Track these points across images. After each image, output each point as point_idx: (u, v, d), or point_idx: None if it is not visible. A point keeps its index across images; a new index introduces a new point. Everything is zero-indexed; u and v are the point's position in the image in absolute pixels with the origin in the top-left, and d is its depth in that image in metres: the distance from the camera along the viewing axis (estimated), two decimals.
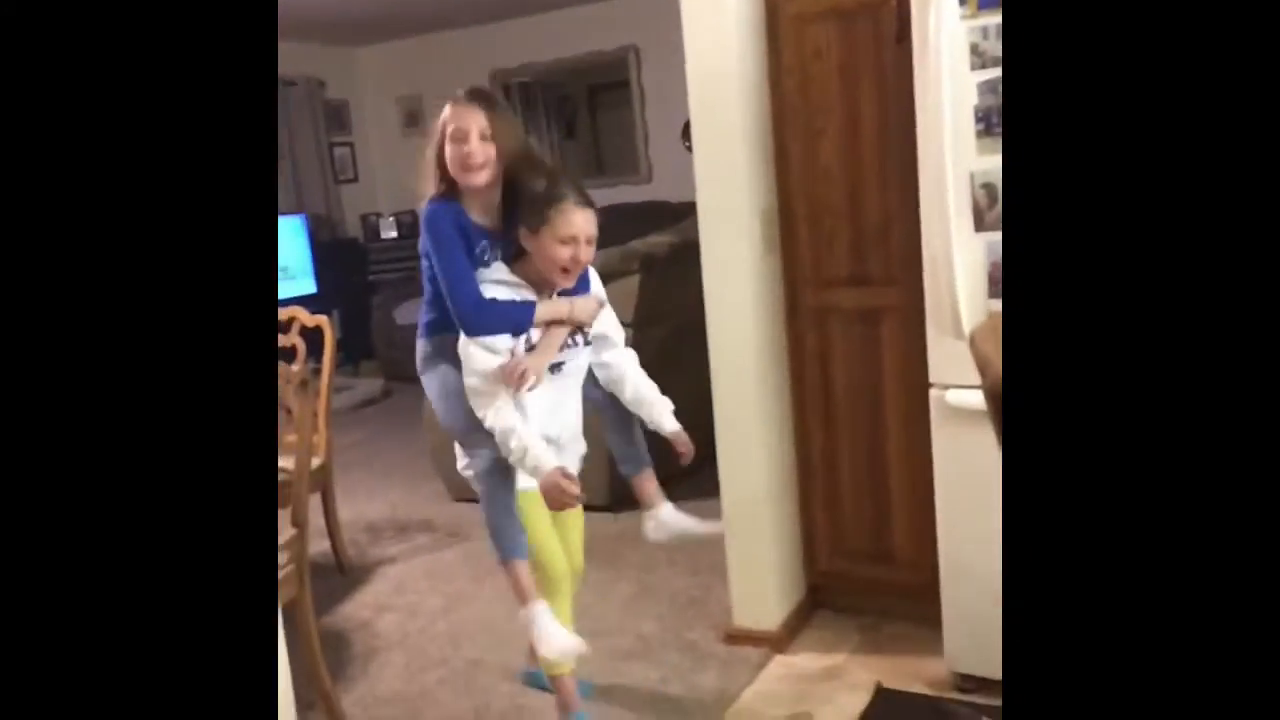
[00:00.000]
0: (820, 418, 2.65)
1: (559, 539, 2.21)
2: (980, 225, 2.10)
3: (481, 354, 2.02)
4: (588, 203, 2.06)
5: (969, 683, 2.31)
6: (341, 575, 3.36)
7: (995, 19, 2.02)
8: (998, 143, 2.06)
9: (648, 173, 6.88)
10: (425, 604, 3.11)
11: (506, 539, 2.08)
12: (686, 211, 2.94)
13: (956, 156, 2.08)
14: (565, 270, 2.04)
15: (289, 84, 6.90)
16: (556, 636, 2.05)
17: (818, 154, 2.52)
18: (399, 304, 6.42)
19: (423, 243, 2.09)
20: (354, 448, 5.00)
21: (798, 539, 2.73)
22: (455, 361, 2.07)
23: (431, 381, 2.15)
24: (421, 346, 2.18)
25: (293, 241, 6.26)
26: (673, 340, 3.41)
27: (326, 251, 6.73)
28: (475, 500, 2.14)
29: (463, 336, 2.04)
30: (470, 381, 2.03)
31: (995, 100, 2.04)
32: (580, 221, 2.03)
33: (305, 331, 3.22)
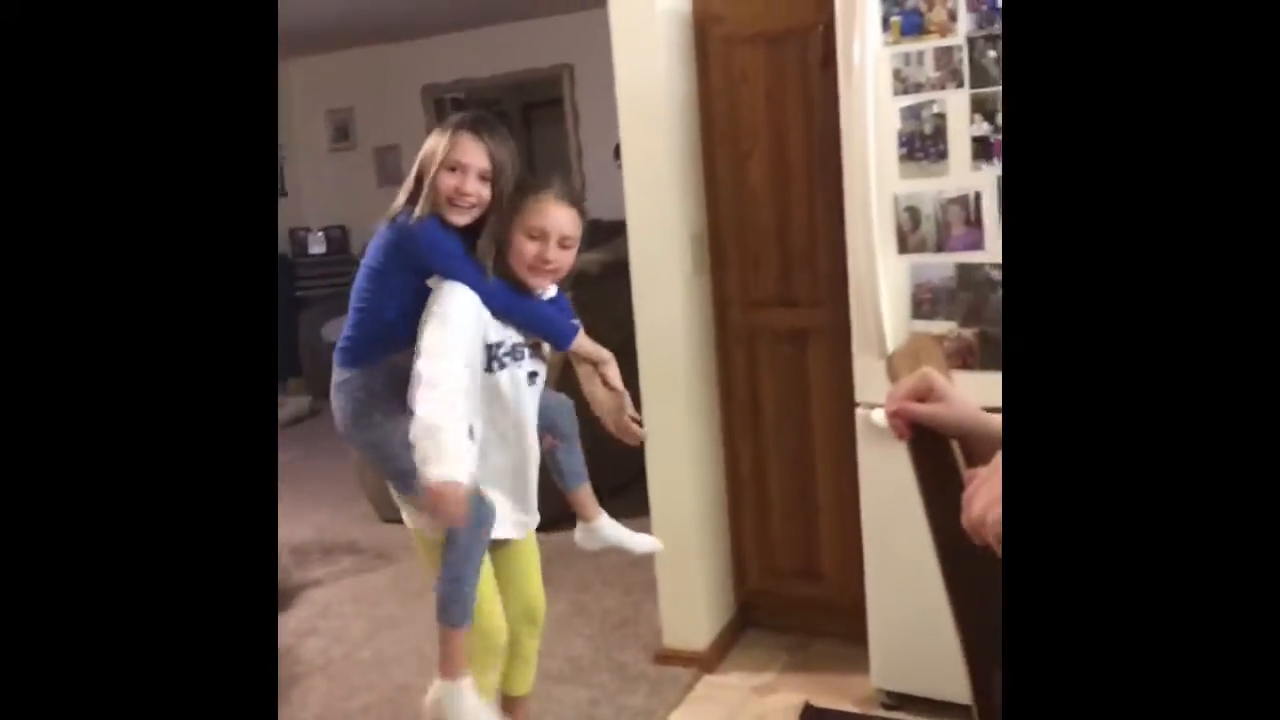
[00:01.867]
0: (749, 437, 2.67)
1: (516, 587, 2.04)
2: (904, 248, 2.14)
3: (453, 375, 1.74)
4: (571, 201, 1.87)
5: (894, 699, 2.34)
6: None
7: (918, 45, 2.07)
8: (920, 167, 2.10)
9: (581, 190, 6.89)
10: (350, 629, 3.05)
11: (463, 602, 1.86)
12: (619, 229, 2.95)
13: (880, 180, 2.11)
14: (532, 269, 1.83)
15: None
16: (478, 718, 1.86)
17: (746, 176, 2.54)
18: (327, 320, 6.32)
19: (369, 266, 1.90)
20: (281, 468, 4.90)
21: (727, 557, 2.74)
22: (396, 395, 1.81)
23: (369, 425, 1.89)
24: (351, 379, 1.91)
25: None
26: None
27: None
28: (403, 521, 2.04)
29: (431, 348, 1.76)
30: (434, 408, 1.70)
31: (917, 125, 2.09)
32: (556, 217, 1.82)
33: None
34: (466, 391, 1.77)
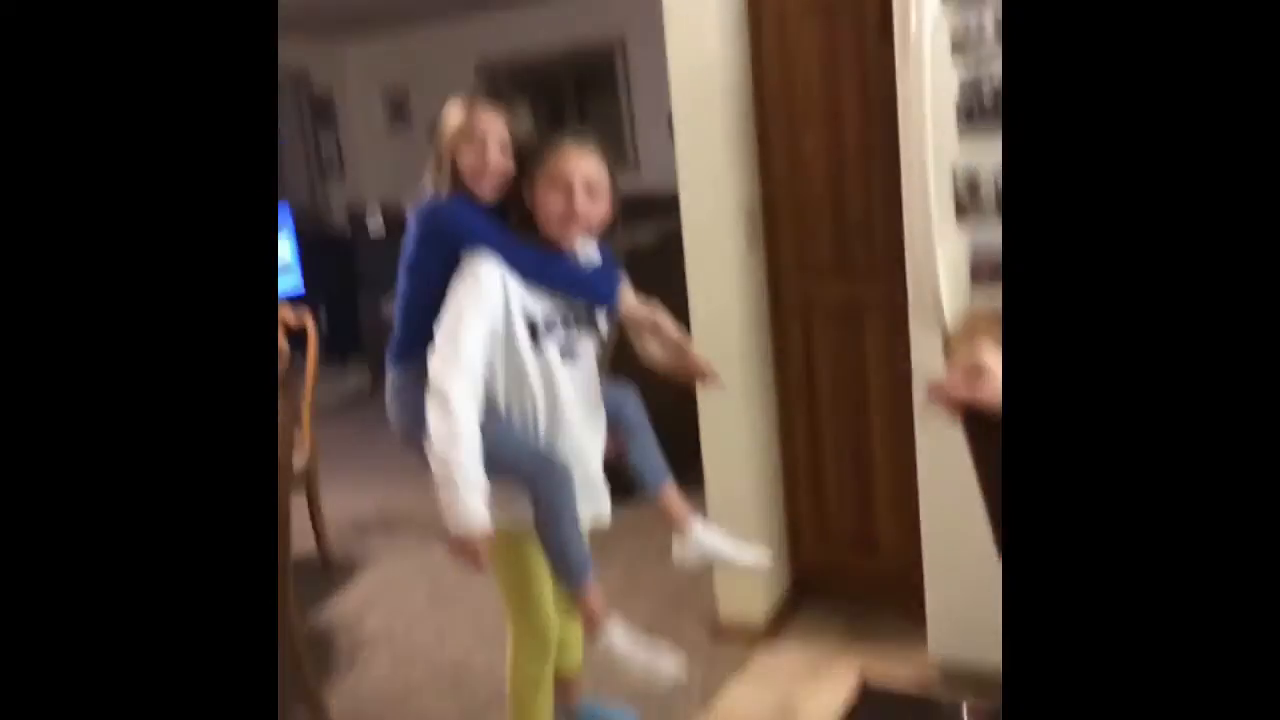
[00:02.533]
0: (804, 410, 2.65)
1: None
2: (962, 217, 2.10)
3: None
4: (591, 146, 1.79)
5: (953, 673, 2.31)
6: (327, 573, 3.35)
7: (976, 10, 2.01)
8: (979, 135, 2.05)
9: (635, 162, 6.86)
10: (411, 602, 3.10)
11: (580, 557, 1.80)
12: (673, 204, 2.93)
13: (938, 148, 2.07)
14: (561, 222, 1.76)
15: None
16: (653, 654, 1.81)
17: (800, 147, 2.51)
18: (386, 298, 6.41)
19: (406, 254, 1.83)
20: (342, 444, 4.98)
21: (783, 531, 2.73)
22: None
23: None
24: (406, 380, 1.84)
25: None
26: None
27: (312, 246, 6.70)
28: None
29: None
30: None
31: (976, 91, 2.03)
32: (576, 163, 1.75)
33: (289, 330, 3.20)
34: (515, 373, 1.75)
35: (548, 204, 1.76)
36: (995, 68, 2.01)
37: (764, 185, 2.57)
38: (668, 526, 2.02)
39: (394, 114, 7.52)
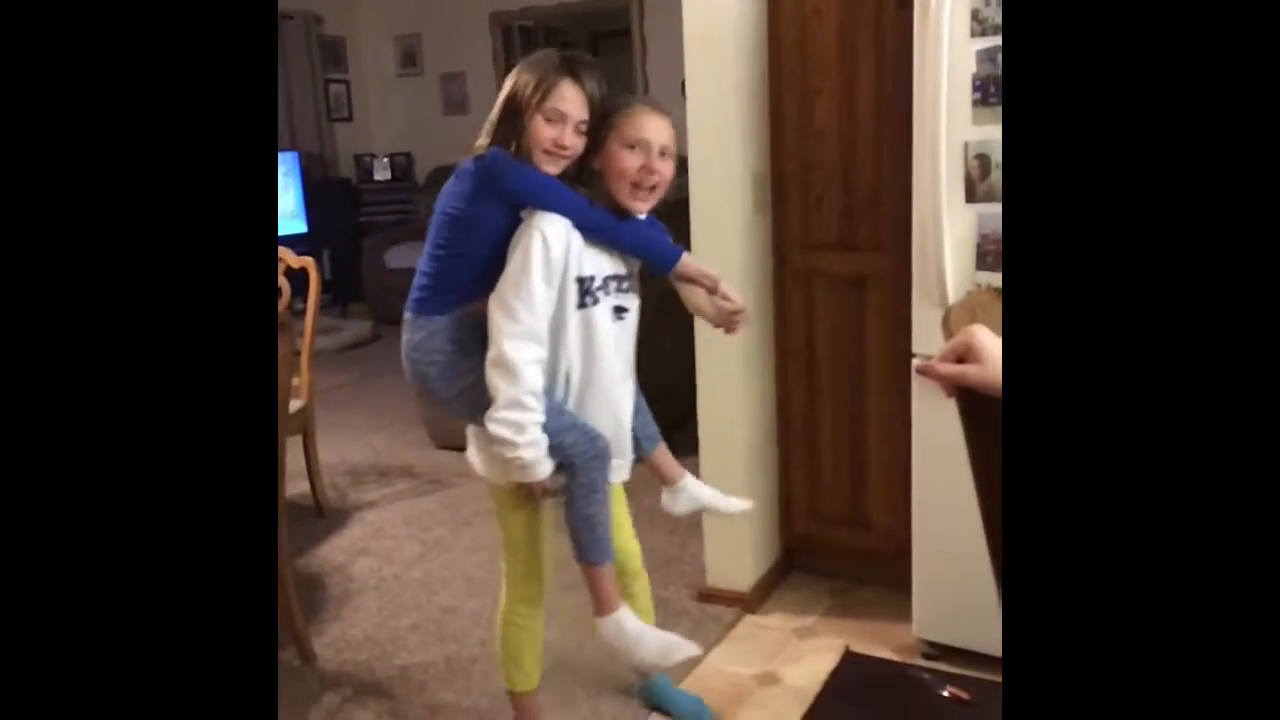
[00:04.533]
0: (802, 381, 2.65)
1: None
2: (972, 196, 2.08)
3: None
4: (662, 111, 1.79)
5: (935, 650, 2.34)
6: (320, 518, 3.37)
7: None
8: (994, 112, 2.03)
9: None
10: (402, 550, 3.13)
11: (602, 537, 1.81)
12: (681, 167, 2.91)
13: (951, 125, 2.05)
14: (636, 185, 1.75)
15: (285, 18, 6.79)
16: (656, 637, 1.83)
17: (813, 115, 2.49)
18: (391, 247, 6.38)
19: (452, 206, 1.75)
20: (339, 390, 5.00)
21: (775, 500, 2.74)
22: (485, 341, 1.74)
23: (459, 375, 1.79)
24: (435, 333, 1.79)
25: (284, 179, 6.20)
26: (659, 298, 3.39)
27: (318, 190, 6.68)
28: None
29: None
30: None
31: (994, 69, 2.01)
32: (652, 123, 1.75)
33: (290, 272, 3.19)
34: (556, 330, 1.75)
35: (625, 164, 1.74)
36: None
37: (774, 153, 2.55)
38: (659, 483, 2.07)
39: (405, 61, 7.46)
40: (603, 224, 1.77)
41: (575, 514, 1.80)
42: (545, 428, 1.72)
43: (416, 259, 1.88)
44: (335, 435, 4.21)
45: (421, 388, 1.87)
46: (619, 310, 1.83)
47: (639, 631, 1.82)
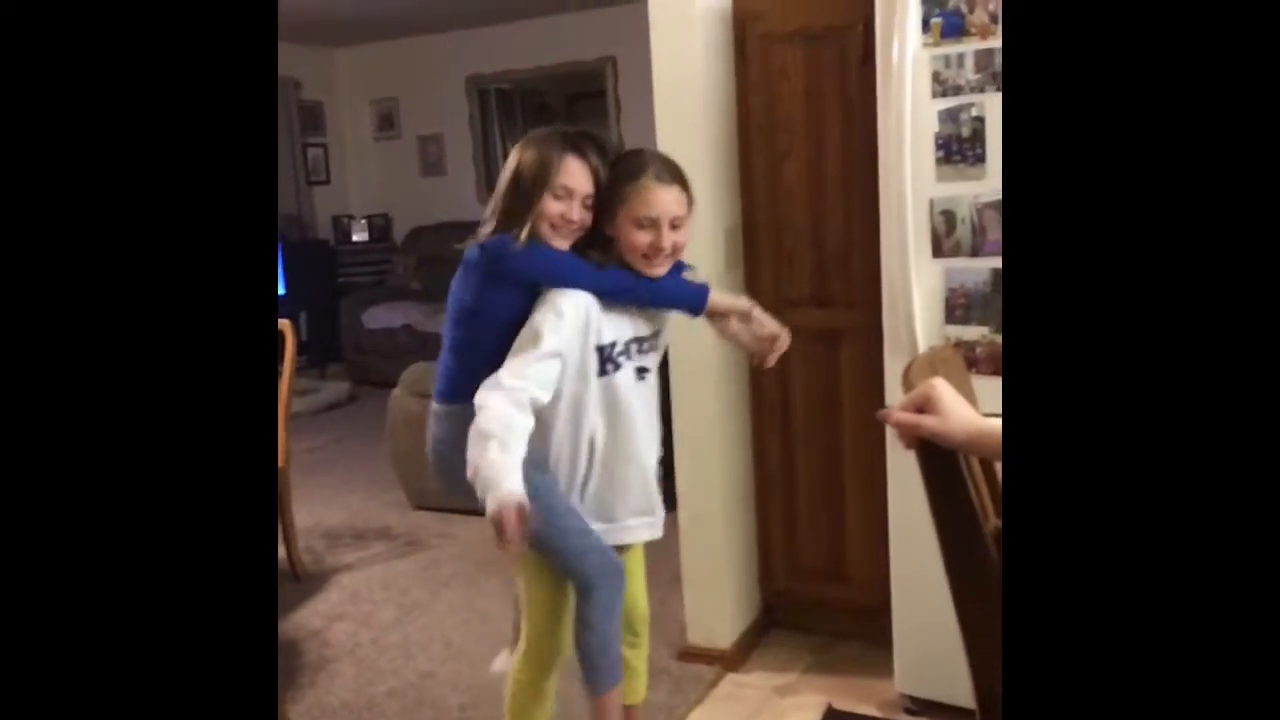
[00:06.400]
0: (779, 436, 2.66)
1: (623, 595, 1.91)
2: (939, 251, 2.12)
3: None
4: (673, 179, 1.76)
5: (917, 705, 2.32)
6: (296, 582, 3.33)
7: (957, 48, 2.04)
8: (957, 170, 2.08)
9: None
10: (379, 614, 3.09)
11: (615, 659, 1.78)
12: None
13: (916, 182, 2.09)
14: (647, 258, 1.74)
15: None
16: None
17: (782, 173, 2.53)
18: (368, 308, 6.39)
19: (462, 297, 1.76)
20: (316, 452, 4.96)
21: (754, 556, 2.73)
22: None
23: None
24: (455, 413, 1.76)
25: None
26: None
27: (295, 253, 6.69)
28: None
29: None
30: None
31: (955, 128, 2.06)
32: (661, 200, 1.72)
33: None
34: (577, 399, 1.75)
35: (636, 242, 1.74)
36: (975, 102, 2.04)
37: (745, 209, 2.59)
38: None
39: (382, 124, 7.53)
40: (621, 287, 1.76)
41: (593, 637, 1.78)
42: (568, 545, 1.74)
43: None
44: (312, 497, 4.17)
45: (440, 455, 1.84)
46: (641, 371, 1.83)
47: None
